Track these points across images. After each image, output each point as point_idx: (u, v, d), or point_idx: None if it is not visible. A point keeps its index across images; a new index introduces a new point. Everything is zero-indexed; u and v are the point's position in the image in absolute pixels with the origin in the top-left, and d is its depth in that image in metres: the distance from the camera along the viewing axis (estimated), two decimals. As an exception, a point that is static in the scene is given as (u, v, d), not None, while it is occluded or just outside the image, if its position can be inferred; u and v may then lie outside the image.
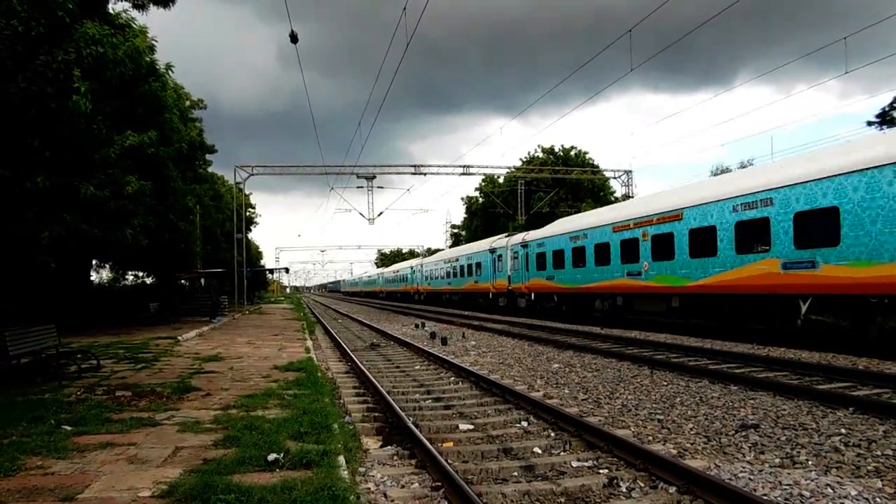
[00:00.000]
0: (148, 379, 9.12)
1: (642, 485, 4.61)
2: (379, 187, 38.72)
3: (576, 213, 37.86)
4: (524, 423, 6.57)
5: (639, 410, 7.12)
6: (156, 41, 16.20)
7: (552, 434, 6.11)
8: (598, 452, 5.40)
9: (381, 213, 39.58)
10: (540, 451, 5.55)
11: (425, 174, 36.25)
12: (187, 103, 21.11)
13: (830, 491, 4.28)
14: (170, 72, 17.62)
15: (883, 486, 4.42)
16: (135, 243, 15.35)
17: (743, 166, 43.29)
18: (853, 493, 4.23)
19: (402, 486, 4.65)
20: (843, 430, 5.88)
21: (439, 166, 36.30)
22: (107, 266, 30.61)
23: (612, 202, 44.78)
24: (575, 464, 5.15)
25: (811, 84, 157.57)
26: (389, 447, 5.75)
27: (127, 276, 34.68)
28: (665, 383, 8.75)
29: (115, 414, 6.49)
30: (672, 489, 4.44)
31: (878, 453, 5.16)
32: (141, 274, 33.95)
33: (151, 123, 15.74)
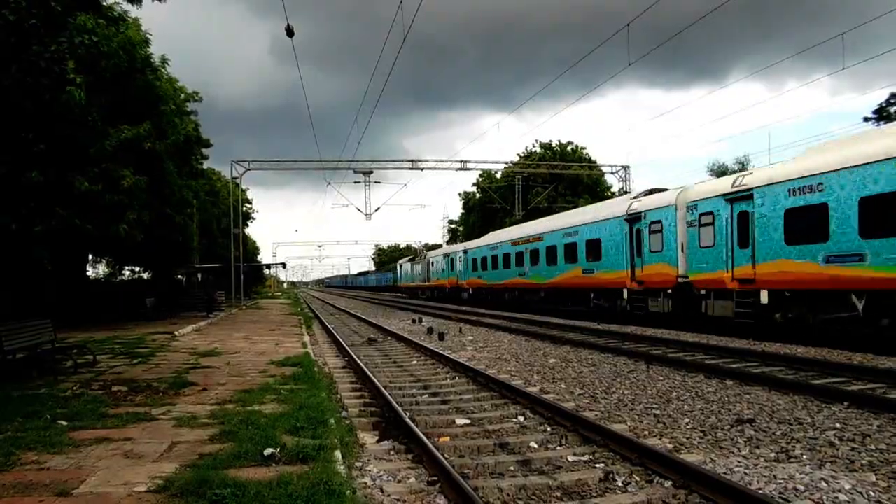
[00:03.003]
0: (144, 374, 9.10)
1: (638, 479, 4.63)
2: (376, 182, 38.43)
3: (573, 208, 37.56)
4: (521, 418, 6.59)
5: (635, 405, 7.14)
6: (150, 34, 16.10)
7: (549, 429, 6.12)
8: (594, 447, 5.41)
9: (377, 209, 39.47)
10: (536, 446, 5.56)
11: (422, 169, 36.14)
12: (182, 96, 20.96)
13: (825, 485, 4.30)
14: (166, 65, 17.52)
15: (877, 479, 4.45)
16: (129, 238, 15.30)
17: (740, 163, 43.35)
18: (847, 486, 4.26)
19: (399, 481, 4.66)
20: (837, 425, 5.91)
21: (436, 161, 36.16)
22: (103, 261, 30.52)
23: (608, 198, 44.79)
24: (571, 458, 5.16)
25: (803, 81, 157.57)
26: (386, 442, 5.75)
27: (123, 271, 34.56)
28: (661, 378, 8.77)
29: (111, 409, 6.48)
30: (668, 483, 4.45)
31: (872, 447, 5.19)
32: (137, 269, 33.83)
33: (147, 117, 15.66)
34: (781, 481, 4.40)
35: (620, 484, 4.55)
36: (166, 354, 11.73)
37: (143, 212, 16.08)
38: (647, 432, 5.96)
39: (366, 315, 26.13)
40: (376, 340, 15.30)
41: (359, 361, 10.38)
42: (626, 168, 38.71)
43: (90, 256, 25.63)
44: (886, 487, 4.28)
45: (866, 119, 34.36)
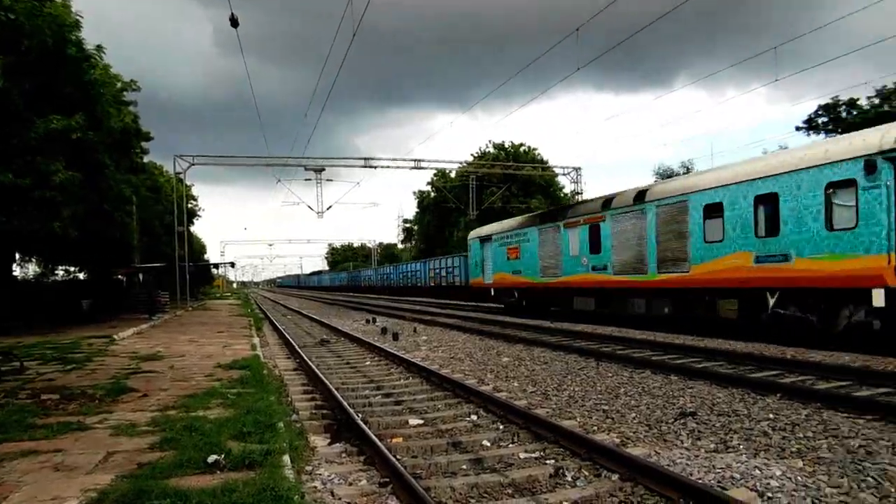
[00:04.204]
0: (78, 381, 8.57)
1: (587, 473, 4.74)
2: (328, 180, 37.64)
3: (527, 209, 38.11)
4: (474, 417, 6.62)
5: (585, 402, 7.32)
6: (81, 16, 15.07)
7: (501, 427, 6.18)
8: (545, 443, 5.51)
9: (330, 207, 38.96)
10: (489, 444, 5.60)
11: (376, 167, 35.71)
12: (118, 85, 19.75)
13: (758, 472, 4.54)
14: (101, 54, 16.51)
15: (804, 465, 4.74)
16: (64, 236, 14.36)
17: (685, 166, 45.31)
18: (778, 473, 4.51)
19: (350, 484, 4.58)
20: (771, 416, 6.25)
21: (390, 160, 35.83)
22: (32, 260, 28.57)
23: (561, 199, 45.85)
24: (522, 455, 5.23)
25: (742, 90, 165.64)
26: (337, 444, 5.64)
27: (57, 272, 32.46)
28: (610, 375, 9.03)
29: (39, 419, 6.06)
30: (615, 476, 4.58)
31: (801, 435, 5.53)
32: (72, 269, 31.89)
33: (79, 105, 14.64)
34: (720, 470, 4.62)
35: (570, 479, 4.64)
36: (104, 359, 11.10)
37: (79, 206, 15.11)
38: (596, 427, 6.11)
39: (319, 315, 25.65)
40: (329, 341, 15.03)
41: (310, 363, 10.16)
42: (577, 170, 39.64)
43: (17, 255, 23.89)
44: (812, 472, 4.57)
45: (798, 129, 36.77)
